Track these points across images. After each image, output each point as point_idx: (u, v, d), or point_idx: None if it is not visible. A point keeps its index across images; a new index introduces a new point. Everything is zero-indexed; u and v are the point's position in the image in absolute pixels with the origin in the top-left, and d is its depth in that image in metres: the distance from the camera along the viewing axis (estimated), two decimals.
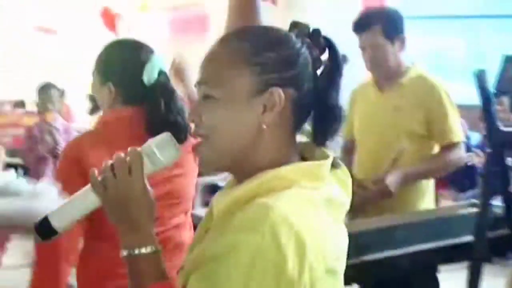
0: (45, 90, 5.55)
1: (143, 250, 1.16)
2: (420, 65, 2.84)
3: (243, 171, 1.13)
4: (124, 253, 1.17)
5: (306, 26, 1.19)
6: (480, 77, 2.45)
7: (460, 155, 2.78)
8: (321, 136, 1.17)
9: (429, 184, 2.79)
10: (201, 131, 1.14)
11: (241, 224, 1.02)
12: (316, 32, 1.18)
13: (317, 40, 1.17)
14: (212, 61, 1.15)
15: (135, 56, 2.02)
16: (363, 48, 2.73)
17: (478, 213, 2.50)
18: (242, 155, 1.13)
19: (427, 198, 2.77)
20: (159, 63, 2.02)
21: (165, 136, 1.19)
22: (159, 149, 1.17)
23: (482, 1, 8.34)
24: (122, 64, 2.02)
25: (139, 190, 1.16)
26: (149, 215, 1.17)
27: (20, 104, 8.90)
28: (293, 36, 1.15)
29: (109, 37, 10.03)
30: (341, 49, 1.18)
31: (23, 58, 9.46)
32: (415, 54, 7.67)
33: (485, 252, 2.46)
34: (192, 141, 1.92)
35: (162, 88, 1.99)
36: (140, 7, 10.15)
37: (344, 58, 2.84)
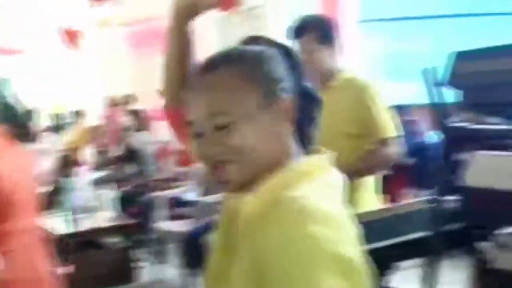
0: None
1: None
2: (352, 69, 2.97)
3: (261, 179, 1.19)
4: None
5: (266, 38, 1.30)
6: (427, 75, 2.50)
7: (396, 150, 2.90)
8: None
9: (366, 182, 2.86)
10: (227, 157, 1.17)
11: (283, 220, 1.07)
12: (277, 42, 1.29)
13: (281, 49, 1.28)
14: (217, 91, 1.18)
15: None
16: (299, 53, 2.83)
17: (432, 208, 2.53)
18: (268, 164, 1.19)
19: (367, 196, 2.84)
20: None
21: None
22: None
23: (442, 1, 8.44)
24: None
25: None
26: None
27: None
28: (269, 49, 1.25)
29: (71, 54, 10.06)
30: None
31: None
32: (375, 56, 7.82)
33: (440, 247, 2.48)
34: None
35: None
36: (100, 23, 10.11)
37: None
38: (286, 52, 1.27)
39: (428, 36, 8.26)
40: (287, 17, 7.45)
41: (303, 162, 1.21)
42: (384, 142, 2.84)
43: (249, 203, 1.17)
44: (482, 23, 7.77)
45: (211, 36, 7.51)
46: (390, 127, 2.86)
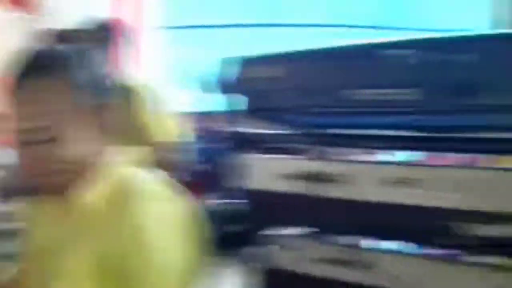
0: None
1: None
2: (144, 76, 3.00)
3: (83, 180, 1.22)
4: None
5: (74, 30, 1.29)
6: (204, 83, 2.56)
7: (178, 156, 3.06)
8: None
9: None
10: (50, 167, 1.18)
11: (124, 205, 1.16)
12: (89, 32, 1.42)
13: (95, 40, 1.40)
14: (35, 103, 1.16)
15: None
16: None
17: (214, 211, 2.58)
18: (89, 168, 1.21)
19: None
20: None
21: None
22: None
23: (241, 12, 8.71)
24: None
25: None
26: None
27: None
28: (80, 51, 1.23)
29: None
30: None
31: None
32: (175, 63, 7.88)
33: (222, 249, 2.52)
34: None
35: None
36: None
37: None
38: (100, 44, 1.29)
39: (229, 44, 8.50)
40: (81, 21, 7.31)
41: (123, 159, 1.26)
42: (163, 145, 2.86)
43: (87, 200, 1.20)
44: (276, 32, 8.12)
45: (7, 37, 7.19)
46: (172, 132, 2.90)
